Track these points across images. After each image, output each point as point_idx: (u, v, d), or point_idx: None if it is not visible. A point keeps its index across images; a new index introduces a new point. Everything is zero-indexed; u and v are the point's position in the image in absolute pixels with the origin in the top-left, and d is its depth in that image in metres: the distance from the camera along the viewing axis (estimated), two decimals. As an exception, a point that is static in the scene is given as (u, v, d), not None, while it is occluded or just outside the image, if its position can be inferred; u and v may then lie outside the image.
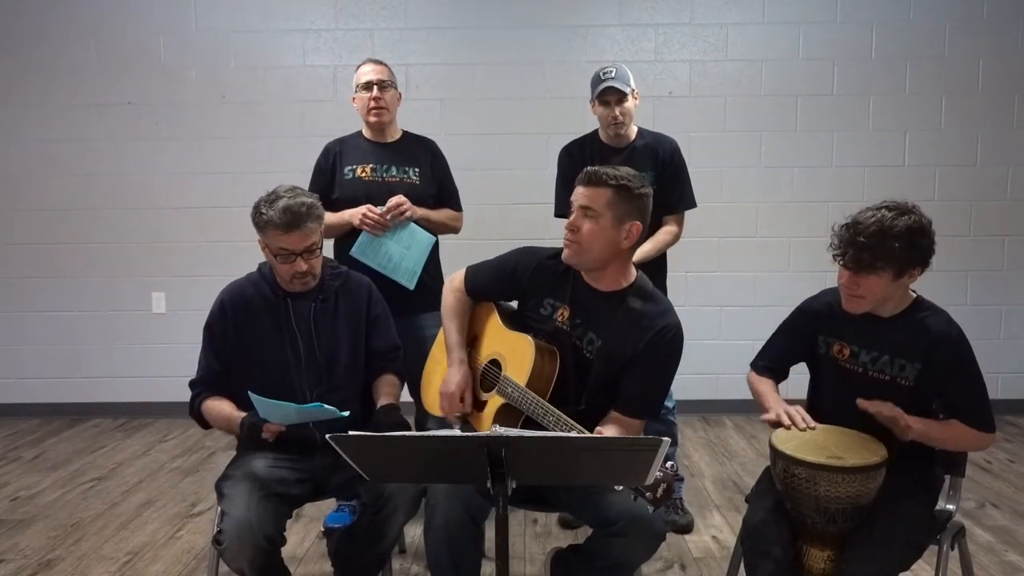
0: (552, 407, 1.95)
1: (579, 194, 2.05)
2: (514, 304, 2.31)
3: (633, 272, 2.13)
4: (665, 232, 2.95)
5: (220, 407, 2.18)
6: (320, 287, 2.26)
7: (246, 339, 2.21)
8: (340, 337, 2.25)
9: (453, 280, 2.33)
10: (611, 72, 2.88)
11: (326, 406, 2.01)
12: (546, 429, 1.94)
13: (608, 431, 1.93)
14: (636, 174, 2.07)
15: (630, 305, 2.06)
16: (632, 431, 1.99)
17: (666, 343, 2.04)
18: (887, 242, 1.80)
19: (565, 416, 1.92)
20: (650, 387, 2.06)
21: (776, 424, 1.95)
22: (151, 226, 4.66)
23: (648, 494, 1.65)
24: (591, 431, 1.90)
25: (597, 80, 2.91)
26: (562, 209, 2.93)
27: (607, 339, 2.05)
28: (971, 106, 4.54)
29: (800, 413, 1.95)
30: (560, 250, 2.13)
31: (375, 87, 2.88)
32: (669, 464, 1.65)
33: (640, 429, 2.03)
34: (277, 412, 2.03)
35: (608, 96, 2.88)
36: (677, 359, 2.09)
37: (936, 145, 4.56)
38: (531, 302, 2.19)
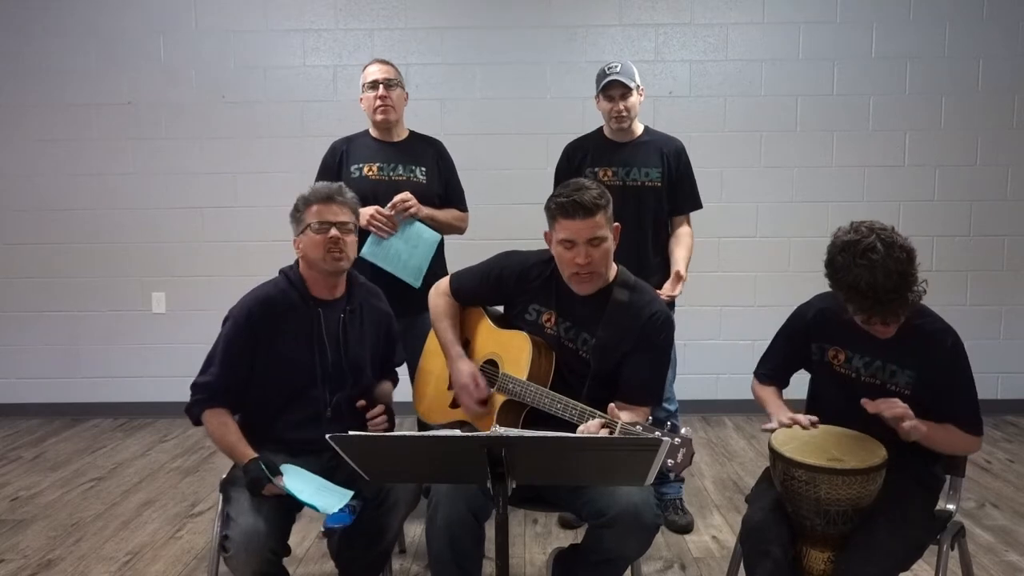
0: (558, 394, 2.00)
1: (579, 229, 1.99)
2: (500, 309, 2.34)
3: (614, 264, 2.15)
4: (687, 235, 3.04)
5: (226, 433, 2.09)
6: (348, 297, 2.27)
7: (272, 348, 2.16)
8: (365, 347, 2.27)
9: (439, 286, 2.36)
10: (616, 67, 2.91)
11: (335, 511, 1.98)
12: (555, 417, 1.99)
13: (625, 415, 1.94)
14: (593, 183, 2.08)
15: (617, 298, 2.09)
16: (641, 417, 2.01)
17: (658, 329, 2.10)
18: (907, 280, 1.75)
19: (573, 400, 1.96)
20: (650, 375, 2.12)
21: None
22: (151, 226, 4.65)
23: (670, 461, 1.75)
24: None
25: (602, 75, 2.94)
26: None
27: (601, 336, 2.08)
28: (971, 106, 4.53)
29: (801, 420, 1.95)
30: (544, 257, 2.18)
31: (381, 86, 2.90)
32: (684, 430, 1.78)
33: (647, 416, 2.06)
34: (299, 482, 2.01)
35: (612, 91, 2.91)
36: (671, 343, 2.16)
37: (936, 145, 4.56)
38: (517, 308, 2.22)
